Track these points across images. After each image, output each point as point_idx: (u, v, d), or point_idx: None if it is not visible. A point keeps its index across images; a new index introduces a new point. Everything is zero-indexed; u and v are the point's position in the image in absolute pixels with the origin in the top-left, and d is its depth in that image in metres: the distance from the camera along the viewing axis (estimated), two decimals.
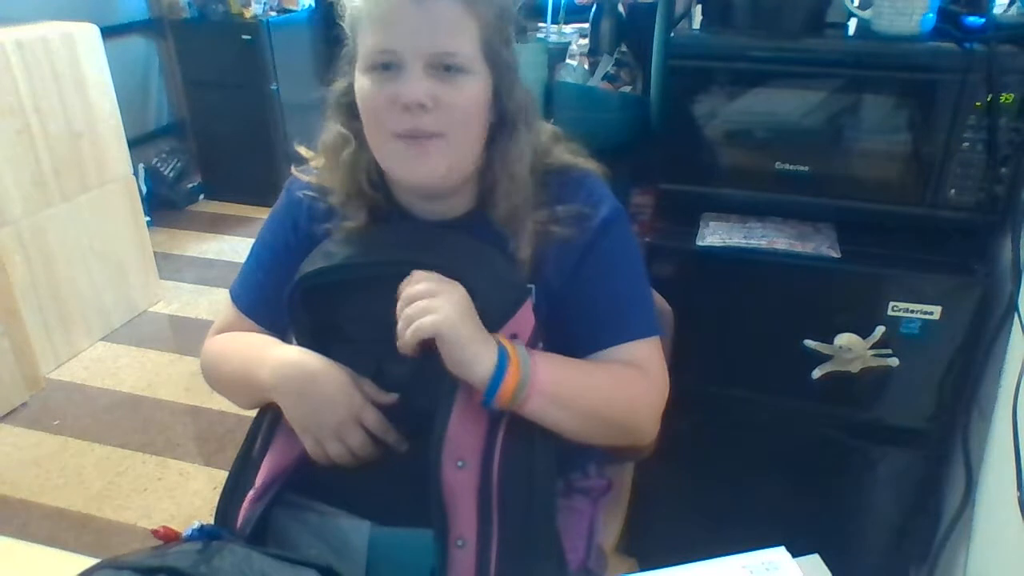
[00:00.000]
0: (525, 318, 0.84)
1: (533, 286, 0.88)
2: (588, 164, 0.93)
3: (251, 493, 0.86)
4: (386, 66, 0.78)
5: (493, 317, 0.80)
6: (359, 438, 0.82)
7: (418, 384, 0.81)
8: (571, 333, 0.88)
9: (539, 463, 0.82)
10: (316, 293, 0.85)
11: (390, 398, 0.84)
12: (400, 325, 0.77)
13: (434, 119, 0.78)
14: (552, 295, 0.89)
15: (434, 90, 0.77)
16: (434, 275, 0.78)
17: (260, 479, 0.87)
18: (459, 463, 0.77)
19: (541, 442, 0.82)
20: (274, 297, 0.90)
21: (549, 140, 0.92)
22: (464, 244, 0.86)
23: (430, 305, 0.75)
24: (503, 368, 0.76)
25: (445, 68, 0.78)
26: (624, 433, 0.89)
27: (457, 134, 0.81)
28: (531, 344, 0.84)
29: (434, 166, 0.81)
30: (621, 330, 0.88)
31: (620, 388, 0.86)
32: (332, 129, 0.88)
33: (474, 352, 0.76)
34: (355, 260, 0.84)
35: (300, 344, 0.87)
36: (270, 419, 0.89)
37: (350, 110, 0.85)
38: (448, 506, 0.76)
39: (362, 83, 0.81)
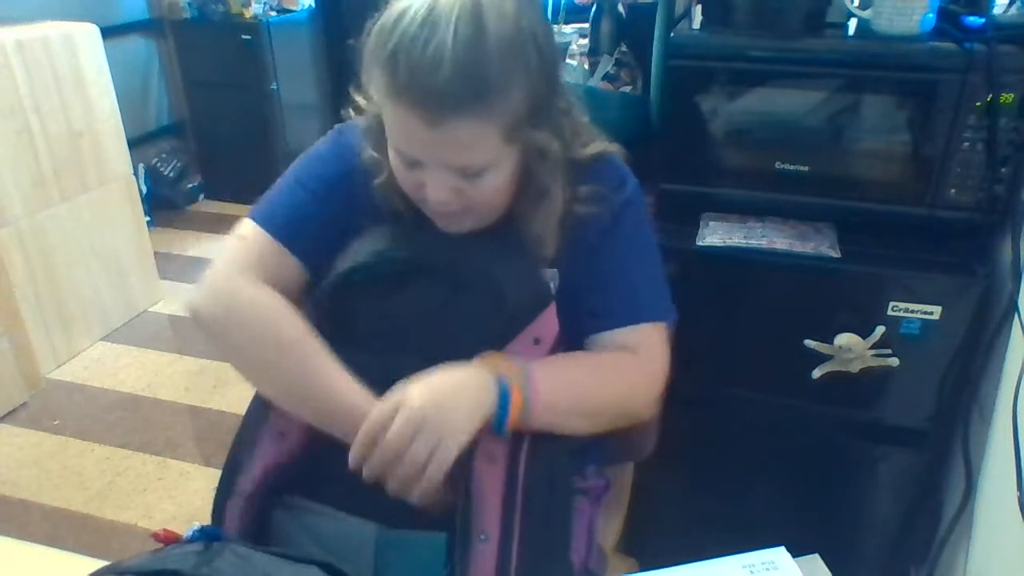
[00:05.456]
0: (548, 322, 0.84)
1: (554, 283, 0.89)
2: (610, 148, 0.92)
3: (242, 500, 0.85)
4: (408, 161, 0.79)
5: (518, 317, 0.82)
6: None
7: None
8: (581, 311, 0.88)
9: (562, 459, 0.83)
10: (335, 291, 0.85)
11: None
12: (394, 486, 0.74)
13: (461, 205, 0.80)
14: (571, 274, 0.89)
15: (459, 185, 0.78)
16: (403, 401, 0.74)
17: (250, 479, 0.86)
18: (489, 457, 0.78)
19: (562, 441, 0.83)
20: (320, 232, 0.88)
21: (572, 133, 0.88)
22: (489, 242, 0.86)
23: (425, 448, 0.72)
24: (506, 400, 0.77)
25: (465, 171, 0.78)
26: (621, 419, 0.89)
27: (485, 208, 0.83)
28: (554, 350, 0.84)
29: (464, 227, 0.84)
30: (626, 313, 0.88)
31: (615, 378, 0.86)
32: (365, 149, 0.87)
33: (468, 411, 0.74)
34: (381, 255, 0.84)
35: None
36: (255, 417, 0.88)
37: (380, 136, 0.83)
38: (475, 499, 0.77)
39: (391, 153, 0.81)
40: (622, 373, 0.87)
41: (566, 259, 0.88)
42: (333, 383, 0.80)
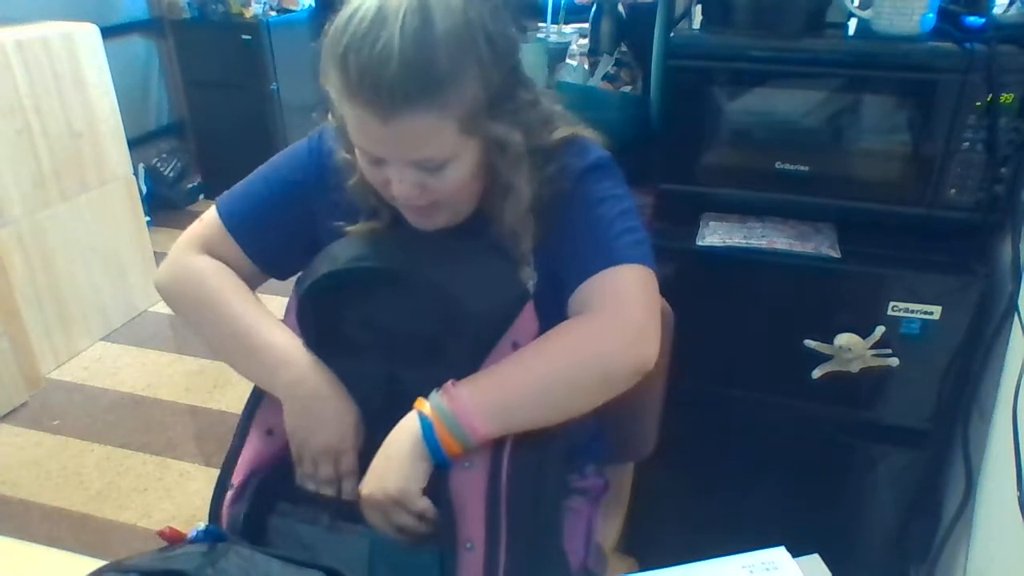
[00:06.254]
0: (526, 324, 0.83)
1: (532, 281, 0.87)
2: (582, 132, 0.90)
3: (230, 493, 0.85)
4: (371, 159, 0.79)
5: (491, 329, 0.81)
6: (328, 472, 0.84)
7: (430, 390, 0.81)
8: (562, 283, 0.85)
9: (550, 464, 0.82)
10: (319, 299, 0.85)
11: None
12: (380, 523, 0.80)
13: (428, 200, 0.80)
14: (546, 260, 0.87)
15: (422, 179, 0.78)
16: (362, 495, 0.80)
17: (237, 477, 0.86)
18: (466, 464, 0.77)
19: (552, 443, 0.82)
20: (271, 232, 0.94)
21: (541, 123, 0.86)
22: (461, 250, 0.86)
23: (398, 515, 0.78)
24: (432, 437, 0.76)
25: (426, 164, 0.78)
26: (604, 384, 0.81)
27: (453, 199, 0.83)
28: None
29: (436, 222, 0.85)
30: (593, 262, 0.84)
31: (570, 348, 0.81)
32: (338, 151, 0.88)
33: (409, 469, 0.77)
34: (355, 264, 0.84)
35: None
36: (246, 414, 0.89)
37: (348, 137, 0.83)
38: (456, 508, 0.76)
39: (357, 152, 0.81)
40: (577, 338, 0.81)
41: (540, 247, 0.86)
42: (257, 323, 0.89)
